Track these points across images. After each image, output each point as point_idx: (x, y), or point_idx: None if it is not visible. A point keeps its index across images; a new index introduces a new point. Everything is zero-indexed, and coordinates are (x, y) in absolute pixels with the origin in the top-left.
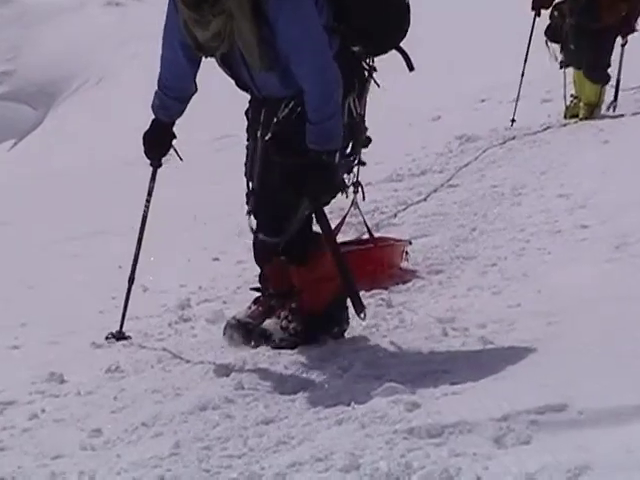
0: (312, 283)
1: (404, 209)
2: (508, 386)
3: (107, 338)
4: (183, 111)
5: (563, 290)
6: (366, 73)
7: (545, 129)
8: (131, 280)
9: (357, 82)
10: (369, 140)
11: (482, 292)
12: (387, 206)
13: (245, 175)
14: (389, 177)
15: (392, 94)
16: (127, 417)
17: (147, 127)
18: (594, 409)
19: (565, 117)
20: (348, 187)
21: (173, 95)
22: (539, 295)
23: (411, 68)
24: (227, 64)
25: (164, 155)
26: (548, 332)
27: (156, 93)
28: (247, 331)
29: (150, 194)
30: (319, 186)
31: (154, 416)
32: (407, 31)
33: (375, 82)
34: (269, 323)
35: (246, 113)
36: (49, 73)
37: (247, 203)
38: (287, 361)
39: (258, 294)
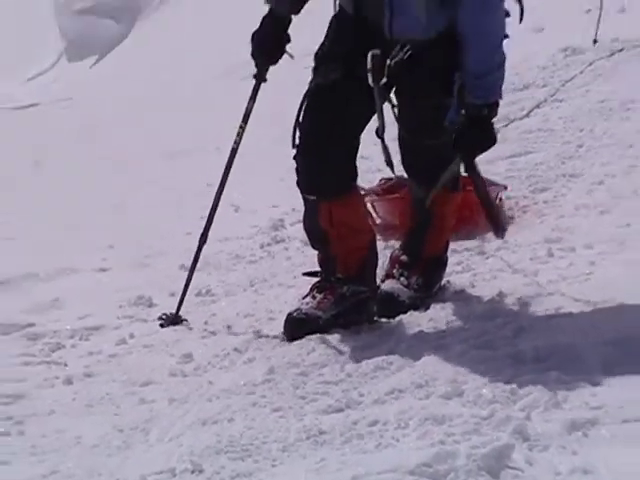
0: (445, 221)
1: (506, 125)
2: (619, 309)
3: (160, 319)
4: (303, 4)
5: None
6: None
7: None
8: (204, 239)
9: None
10: None
11: (589, 211)
12: None
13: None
14: None
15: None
16: (218, 342)
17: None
18: None
19: None
20: None
21: None
22: None
23: (521, 20)
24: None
25: (276, 60)
26: None
27: None
28: (317, 327)
29: (246, 119)
30: (477, 142)
31: (246, 341)
32: None
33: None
34: (389, 284)
35: (317, 54)
36: None
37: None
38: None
39: (314, 279)
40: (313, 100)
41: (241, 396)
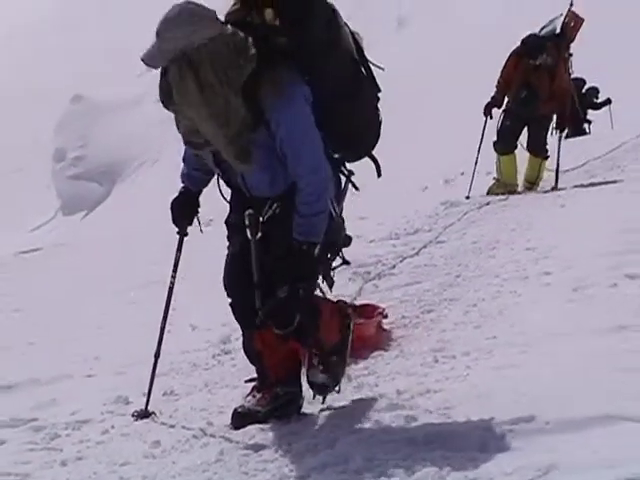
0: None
1: (401, 261)
2: (489, 402)
3: (133, 415)
4: (208, 181)
5: (532, 325)
6: (344, 178)
7: (506, 199)
8: (157, 355)
9: (335, 186)
10: (349, 239)
11: (466, 327)
12: (387, 259)
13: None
14: (388, 235)
15: (388, 171)
16: (180, 431)
17: (175, 195)
18: (559, 419)
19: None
20: (332, 282)
21: (195, 166)
22: (512, 329)
23: (379, 175)
24: (218, 164)
25: (189, 224)
26: (520, 358)
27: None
28: (256, 420)
29: (176, 265)
30: (298, 271)
31: (202, 430)
32: (379, 138)
33: (353, 185)
34: (314, 374)
35: (226, 222)
36: (113, 157)
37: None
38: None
39: (254, 383)
40: (228, 263)
41: (198, 473)
